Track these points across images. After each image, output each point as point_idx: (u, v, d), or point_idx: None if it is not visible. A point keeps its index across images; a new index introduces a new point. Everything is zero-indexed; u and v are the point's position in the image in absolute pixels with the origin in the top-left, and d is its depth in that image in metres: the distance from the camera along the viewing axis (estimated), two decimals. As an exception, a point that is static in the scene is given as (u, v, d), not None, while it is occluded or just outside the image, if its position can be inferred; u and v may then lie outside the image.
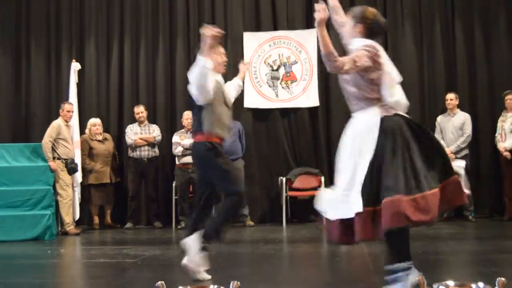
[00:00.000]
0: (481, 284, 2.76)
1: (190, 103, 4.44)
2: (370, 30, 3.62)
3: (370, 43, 3.53)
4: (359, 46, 3.53)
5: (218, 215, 4.35)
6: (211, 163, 4.30)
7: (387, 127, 3.40)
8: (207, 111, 4.25)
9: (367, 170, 3.37)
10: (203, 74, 4.14)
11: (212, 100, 4.25)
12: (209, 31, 4.16)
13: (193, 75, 4.21)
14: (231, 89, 4.75)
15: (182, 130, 8.55)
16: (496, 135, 8.25)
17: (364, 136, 3.45)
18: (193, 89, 4.25)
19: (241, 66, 5.17)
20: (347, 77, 3.59)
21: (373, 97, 3.50)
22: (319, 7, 3.38)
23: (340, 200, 3.50)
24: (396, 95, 3.55)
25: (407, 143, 3.36)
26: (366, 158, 3.39)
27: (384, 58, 3.54)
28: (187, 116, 8.31)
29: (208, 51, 4.15)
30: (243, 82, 5.05)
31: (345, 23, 3.81)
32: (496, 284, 2.61)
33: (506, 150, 8.02)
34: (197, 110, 4.31)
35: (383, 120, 3.42)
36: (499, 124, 8.22)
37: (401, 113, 3.52)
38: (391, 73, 3.57)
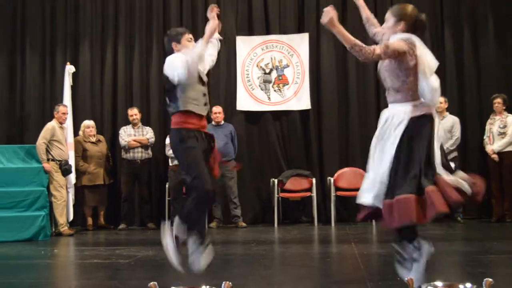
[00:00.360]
0: (468, 284, 2.84)
1: (167, 89, 4.26)
2: (412, 27, 3.73)
3: (407, 36, 3.66)
4: (396, 38, 3.67)
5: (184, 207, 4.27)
6: (180, 152, 4.20)
7: (412, 127, 3.56)
8: (182, 90, 4.13)
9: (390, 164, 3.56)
10: (201, 56, 4.11)
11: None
12: (216, 21, 4.23)
13: (191, 54, 4.06)
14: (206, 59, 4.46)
15: (176, 132, 8.61)
16: (484, 137, 8.37)
17: (389, 133, 3.65)
18: (172, 69, 4.08)
19: (210, 14, 4.43)
20: (386, 66, 3.71)
21: (409, 91, 3.63)
22: (326, 9, 3.57)
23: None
24: (433, 83, 3.66)
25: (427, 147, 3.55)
26: (388, 152, 3.61)
27: (422, 50, 3.64)
28: None
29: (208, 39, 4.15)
30: (219, 42, 4.62)
31: (373, 21, 4.02)
32: (483, 285, 2.69)
33: (494, 153, 8.15)
34: (172, 90, 4.16)
35: (410, 120, 3.57)
36: (487, 127, 8.35)
37: (429, 111, 3.63)
38: (429, 64, 3.66)
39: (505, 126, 8.15)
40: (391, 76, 3.71)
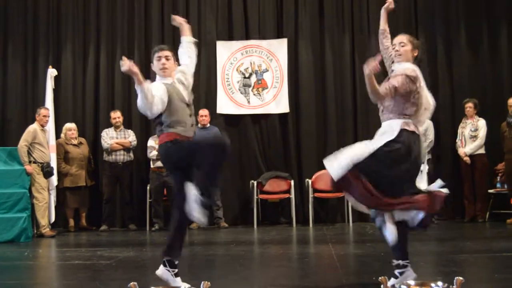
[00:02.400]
0: (439, 283, 2.96)
1: None
2: (419, 59, 4.03)
3: (413, 68, 3.92)
4: (402, 70, 3.91)
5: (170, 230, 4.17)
6: (171, 163, 4.07)
7: (401, 139, 3.80)
8: (165, 114, 3.98)
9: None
10: (144, 97, 3.87)
11: (165, 105, 3.98)
12: (125, 67, 3.91)
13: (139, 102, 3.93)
14: (185, 61, 4.38)
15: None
16: (456, 141, 8.58)
17: (382, 134, 3.92)
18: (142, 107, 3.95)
19: (176, 20, 4.56)
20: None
21: (404, 112, 3.88)
22: (372, 62, 3.73)
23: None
24: (424, 117, 3.99)
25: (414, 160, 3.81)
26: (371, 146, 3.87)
27: (422, 82, 3.91)
28: None
29: (140, 79, 3.84)
30: (194, 43, 4.53)
31: (388, 35, 4.24)
32: (454, 283, 2.83)
33: (466, 155, 8.35)
34: (157, 117, 4.03)
35: (401, 131, 3.81)
36: (459, 131, 8.55)
37: (417, 131, 3.90)
38: (427, 97, 3.96)
39: (476, 130, 8.35)
40: (391, 101, 3.92)
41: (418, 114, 3.93)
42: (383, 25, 4.34)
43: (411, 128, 3.85)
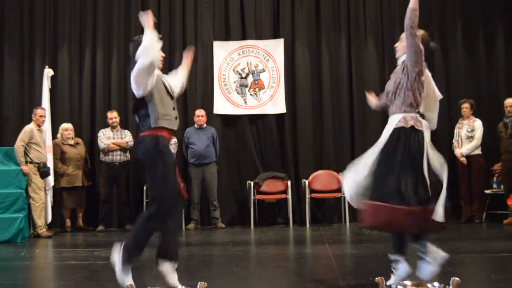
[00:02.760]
0: (436, 283, 2.99)
1: (134, 105, 4.04)
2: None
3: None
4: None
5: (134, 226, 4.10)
6: (155, 159, 3.90)
7: (396, 136, 3.80)
8: (151, 105, 3.91)
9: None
10: (153, 49, 3.86)
11: (153, 93, 3.92)
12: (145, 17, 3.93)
13: (139, 51, 3.86)
14: (175, 80, 4.34)
15: (156, 134, 8.68)
16: (453, 141, 8.60)
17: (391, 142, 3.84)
18: (134, 79, 3.89)
19: (186, 55, 4.60)
20: (400, 81, 3.93)
21: (405, 107, 3.86)
22: None
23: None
24: (431, 109, 3.98)
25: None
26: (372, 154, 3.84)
27: (427, 76, 3.95)
28: None
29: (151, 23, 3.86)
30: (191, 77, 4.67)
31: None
32: (451, 284, 2.84)
33: (462, 156, 8.38)
34: (141, 108, 3.96)
35: (396, 130, 3.81)
36: (456, 131, 8.58)
37: (419, 126, 3.84)
38: (434, 89, 4.00)
39: (473, 130, 8.38)
40: (399, 91, 3.92)
41: (427, 106, 3.92)
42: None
43: (409, 123, 3.82)
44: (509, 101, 8.18)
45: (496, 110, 8.70)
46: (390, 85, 4.03)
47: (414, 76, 3.85)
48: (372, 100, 4.28)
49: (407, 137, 3.78)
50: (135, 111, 4.04)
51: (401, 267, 3.84)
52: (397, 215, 3.60)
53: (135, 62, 3.92)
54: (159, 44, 3.93)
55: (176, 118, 4.07)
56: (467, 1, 9.31)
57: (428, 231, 3.83)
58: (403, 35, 4.03)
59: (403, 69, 3.92)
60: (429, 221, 3.66)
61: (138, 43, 3.98)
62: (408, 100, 3.86)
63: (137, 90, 3.91)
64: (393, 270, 3.87)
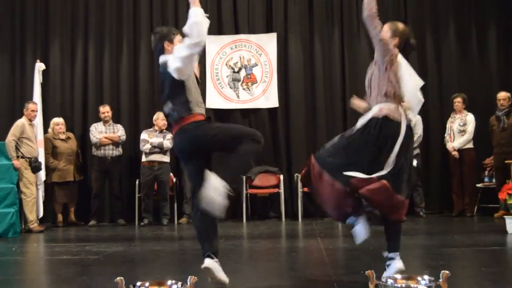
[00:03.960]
0: (426, 276, 2.99)
1: (171, 92, 3.87)
2: (403, 46, 3.97)
3: (396, 51, 3.90)
4: None
5: (237, 156, 3.81)
6: (210, 133, 3.81)
7: (368, 124, 3.77)
8: (189, 91, 3.82)
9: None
10: (203, 24, 3.70)
11: (188, 79, 3.81)
12: None
13: (187, 28, 3.68)
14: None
15: (151, 129, 8.69)
16: (445, 135, 8.63)
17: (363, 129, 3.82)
18: (182, 59, 3.67)
19: None
20: (373, 72, 3.93)
21: (387, 95, 3.81)
22: None
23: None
24: (409, 95, 3.90)
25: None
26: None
27: (402, 66, 3.89)
28: (161, 117, 8.48)
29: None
30: None
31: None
32: (440, 277, 2.84)
33: (454, 150, 8.40)
34: (180, 94, 3.82)
35: (381, 121, 3.74)
36: (448, 125, 8.60)
37: (396, 116, 3.78)
38: (410, 76, 3.93)
39: (465, 124, 8.40)
40: (376, 81, 3.90)
41: (402, 95, 3.86)
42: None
43: (382, 113, 3.76)
44: (502, 94, 8.21)
45: (488, 104, 8.75)
46: (366, 80, 4.03)
47: (384, 66, 3.83)
48: (358, 104, 4.20)
49: (376, 126, 3.73)
50: (172, 96, 3.86)
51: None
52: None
53: (158, 53, 3.92)
54: (207, 21, 3.77)
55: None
56: (459, -2, 9.35)
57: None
58: (386, 26, 4.00)
59: (375, 62, 3.92)
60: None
61: (161, 35, 3.95)
62: (383, 90, 3.83)
63: (180, 72, 3.72)
64: (386, 267, 3.87)
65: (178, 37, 3.96)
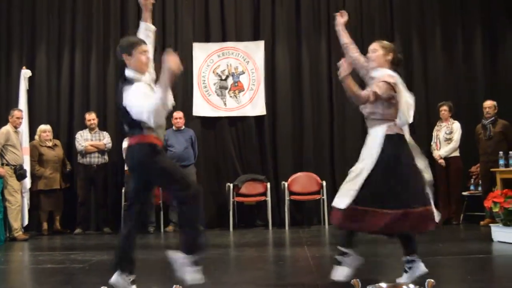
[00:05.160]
0: (411, 285, 3.00)
1: (128, 120, 3.76)
2: (396, 60, 4.13)
3: (391, 73, 4.04)
4: (381, 76, 4.01)
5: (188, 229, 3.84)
6: (155, 167, 3.75)
7: (388, 142, 3.91)
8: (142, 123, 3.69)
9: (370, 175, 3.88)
10: (157, 110, 3.56)
11: None
12: (174, 64, 3.51)
13: (147, 105, 3.57)
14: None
15: (133, 137, 8.64)
16: (431, 143, 8.65)
17: (370, 149, 3.97)
18: (139, 108, 3.60)
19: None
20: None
21: (386, 117, 3.98)
22: (343, 64, 3.86)
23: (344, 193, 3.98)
24: (405, 118, 4.01)
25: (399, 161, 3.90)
26: (368, 165, 3.91)
27: (401, 86, 4.00)
28: None
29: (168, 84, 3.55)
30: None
31: (358, 57, 4.29)
32: (426, 285, 2.85)
33: (440, 158, 8.44)
34: (135, 121, 3.72)
35: (386, 137, 3.92)
36: (434, 133, 8.64)
37: (403, 132, 4.02)
38: (407, 100, 4.01)
39: (451, 132, 8.44)
40: (373, 108, 4.02)
41: (400, 114, 3.97)
42: (344, 40, 4.44)
43: (394, 131, 3.96)
44: (488, 103, 8.26)
45: (474, 112, 8.81)
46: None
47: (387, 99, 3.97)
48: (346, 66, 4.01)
49: (395, 145, 3.93)
50: (128, 122, 3.78)
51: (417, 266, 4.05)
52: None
53: (122, 64, 3.86)
54: (168, 105, 3.66)
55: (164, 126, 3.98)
56: (446, 5, 9.39)
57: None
58: (377, 45, 4.15)
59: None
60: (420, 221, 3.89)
61: (121, 46, 3.87)
62: (387, 110, 3.98)
63: (138, 115, 3.64)
64: (407, 270, 4.06)
65: (138, 49, 3.82)
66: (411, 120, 4.04)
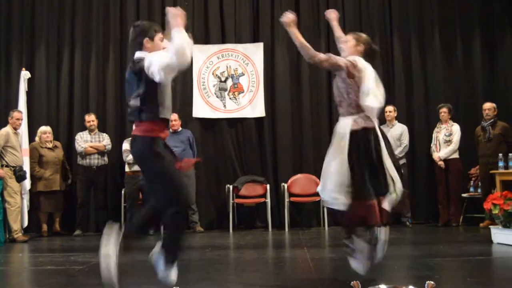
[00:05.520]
0: (411, 287, 3.01)
1: (143, 93, 3.74)
2: (368, 52, 4.32)
3: (354, 58, 4.22)
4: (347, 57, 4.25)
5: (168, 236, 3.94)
6: (153, 162, 3.81)
7: (354, 139, 4.05)
8: (162, 96, 3.76)
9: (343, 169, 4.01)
10: (186, 52, 3.48)
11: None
12: (176, 12, 3.63)
13: (176, 44, 3.48)
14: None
15: (133, 138, 8.65)
16: (431, 145, 8.67)
17: (338, 143, 4.12)
18: (161, 69, 3.54)
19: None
20: (335, 83, 4.27)
21: (352, 108, 4.13)
22: (288, 13, 4.26)
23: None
24: (369, 101, 4.11)
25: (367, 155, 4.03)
26: (338, 160, 4.07)
27: (367, 74, 4.14)
28: None
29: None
30: None
31: (343, 39, 4.48)
32: (426, 287, 2.85)
33: (440, 160, 8.45)
34: (151, 97, 3.73)
35: (351, 133, 4.06)
36: (434, 135, 8.65)
37: (370, 124, 4.10)
38: (369, 85, 4.13)
39: (450, 134, 8.45)
40: (339, 93, 4.23)
41: (363, 100, 4.10)
42: (337, 33, 4.74)
43: (360, 125, 4.08)
44: (487, 105, 8.27)
45: (474, 114, 8.84)
46: (334, 92, 4.33)
47: (344, 79, 4.15)
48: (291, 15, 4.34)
49: (360, 138, 4.05)
50: (143, 97, 3.75)
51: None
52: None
53: (134, 48, 3.84)
54: (191, 46, 3.59)
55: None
56: (444, 7, 9.40)
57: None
58: (349, 36, 4.37)
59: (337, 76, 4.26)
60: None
61: (142, 29, 3.83)
62: (353, 102, 4.13)
63: (161, 76, 3.59)
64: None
65: (159, 36, 3.86)
66: (373, 104, 4.11)
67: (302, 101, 9.26)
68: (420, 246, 6.68)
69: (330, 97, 9.21)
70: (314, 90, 9.30)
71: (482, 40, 9.35)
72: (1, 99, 9.32)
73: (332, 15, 4.85)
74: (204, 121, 9.19)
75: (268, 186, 8.83)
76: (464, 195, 8.64)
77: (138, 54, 3.83)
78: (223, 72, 9.28)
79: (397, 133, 8.52)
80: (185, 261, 5.94)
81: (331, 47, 9.23)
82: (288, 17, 4.23)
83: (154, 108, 3.76)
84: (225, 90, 9.25)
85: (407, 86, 9.25)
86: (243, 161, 9.21)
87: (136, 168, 8.41)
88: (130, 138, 8.73)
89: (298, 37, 4.20)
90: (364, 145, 4.03)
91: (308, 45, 4.18)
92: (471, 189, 8.72)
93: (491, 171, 7.69)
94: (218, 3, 9.38)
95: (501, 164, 7.40)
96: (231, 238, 8.06)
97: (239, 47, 9.28)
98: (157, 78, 3.60)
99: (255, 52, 9.25)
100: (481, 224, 8.12)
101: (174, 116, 8.63)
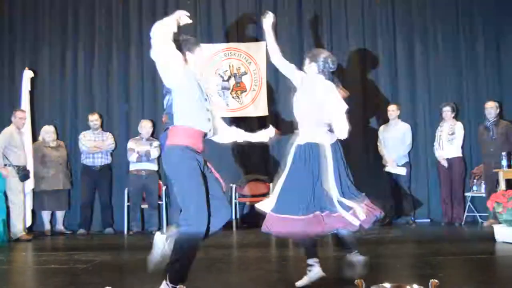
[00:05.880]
0: (415, 285, 2.99)
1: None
2: (322, 69, 4.41)
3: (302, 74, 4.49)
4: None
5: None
6: (181, 177, 3.70)
7: (302, 152, 4.34)
8: (181, 98, 3.73)
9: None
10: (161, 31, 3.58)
11: (184, 85, 3.71)
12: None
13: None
14: None
15: (137, 137, 8.67)
16: (434, 144, 8.66)
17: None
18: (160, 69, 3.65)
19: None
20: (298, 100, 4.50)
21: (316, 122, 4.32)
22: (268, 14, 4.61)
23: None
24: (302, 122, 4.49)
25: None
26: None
27: (307, 86, 4.43)
28: (144, 125, 8.53)
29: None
30: None
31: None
32: (429, 285, 2.85)
33: (443, 158, 8.44)
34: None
35: (301, 146, 4.37)
36: (437, 134, 8.62)
37: (325, 139, 4.26)
38: (299, 101, 4.56)
39: (454, 133, 8.43)
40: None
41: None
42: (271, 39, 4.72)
43: (315, 139, 4.32)
44: (490, 104, 8.24)
45: (477, 112, 8.82)
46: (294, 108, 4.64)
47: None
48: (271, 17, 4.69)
49: (305, 152, 4.29)
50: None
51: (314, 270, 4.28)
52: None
53: None
54: (171, 26, 3.66)
55: (208, 119, 3.92)
56: (448, 6, 9.37)
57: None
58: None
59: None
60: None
61: (185, 44, 3.85)
62: (312, 118, 4.41)
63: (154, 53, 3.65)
64: (307, 272, 4.30)
65: (199, 49, 3.90)
66: (298, 119, 4.51)
67: (305, 100, 9.24)
68: (424, 244, 6.70)
69: (332, 95, 9.22)
70: (316, 89, 9.27)
71: (485, 38, 9.29)
72: (5, 99, 9.33)
73: (267, 20, 4.72)
74: (206, 120, 9.17)
75: (271, 185, 8.80)
76: (467, 193, 8.62)
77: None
78: (226, 71, 9.27)
79: (400, 132, 8.51)
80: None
81: (334, 46, 9.25)
82: (270, 18, 4.59)
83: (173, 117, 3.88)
84: (228, 89, 9.25)
85: (411, 85, 9.22)
86: (246, 160, 9.20)
87: (140, 166, 8.44)
88: (136, 138, 8.76)
89: (271, 38, 4.56)
90: (304, 158, 4.27)
91: (274, 45, 4.56)
92: (475, 188, 8.69)
93: (495, 170, 7.68)
94: (220, 2, 9.38)
95: (504, 162, 7.39)
96: (234, 236, 8.08)
97: (242, 46, 9.27)
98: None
99: (258, 51, 9.21)
100: (484, 223, 8.11)
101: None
